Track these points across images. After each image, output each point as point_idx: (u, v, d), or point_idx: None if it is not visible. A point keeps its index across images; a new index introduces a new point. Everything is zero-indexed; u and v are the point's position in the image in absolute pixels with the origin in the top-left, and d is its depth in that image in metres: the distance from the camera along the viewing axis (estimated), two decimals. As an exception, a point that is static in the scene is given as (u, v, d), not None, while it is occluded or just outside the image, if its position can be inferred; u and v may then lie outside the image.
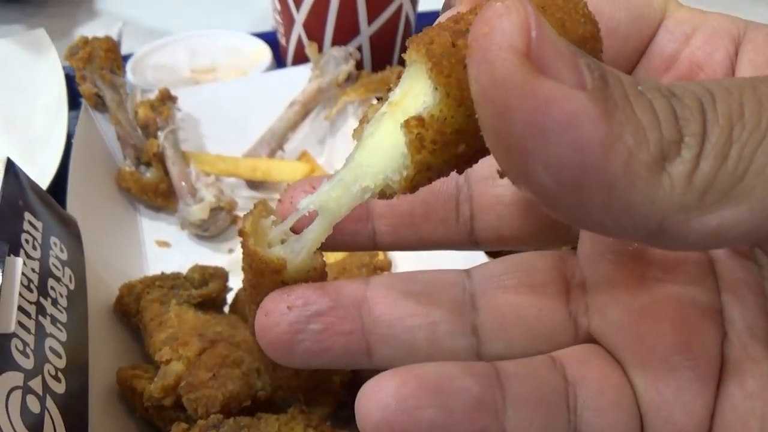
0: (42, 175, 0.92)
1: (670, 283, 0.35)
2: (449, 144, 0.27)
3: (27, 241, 0.61)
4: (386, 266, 0.73)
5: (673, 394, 0.33)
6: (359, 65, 1.03)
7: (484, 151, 0.28)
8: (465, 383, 0.33)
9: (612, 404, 0.34)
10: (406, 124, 0.27)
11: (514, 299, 0.37)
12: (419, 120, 0.27)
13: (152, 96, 0.98)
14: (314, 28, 1.07)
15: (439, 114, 0.27)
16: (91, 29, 1.46)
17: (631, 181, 0.23)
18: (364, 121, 0.31)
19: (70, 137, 0.97)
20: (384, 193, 0.30)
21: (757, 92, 0.24)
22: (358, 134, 0.31)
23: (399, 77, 0.30)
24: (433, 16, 1.20)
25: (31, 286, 0.57)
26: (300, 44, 1.10)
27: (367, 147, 0.30)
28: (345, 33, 1.06)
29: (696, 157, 0.24)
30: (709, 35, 0.34)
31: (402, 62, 0.30)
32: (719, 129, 0.24)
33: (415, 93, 0.28)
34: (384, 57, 1.11)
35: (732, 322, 0.34)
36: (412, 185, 0.29)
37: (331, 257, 0.81)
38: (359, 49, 1.06)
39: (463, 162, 0.29)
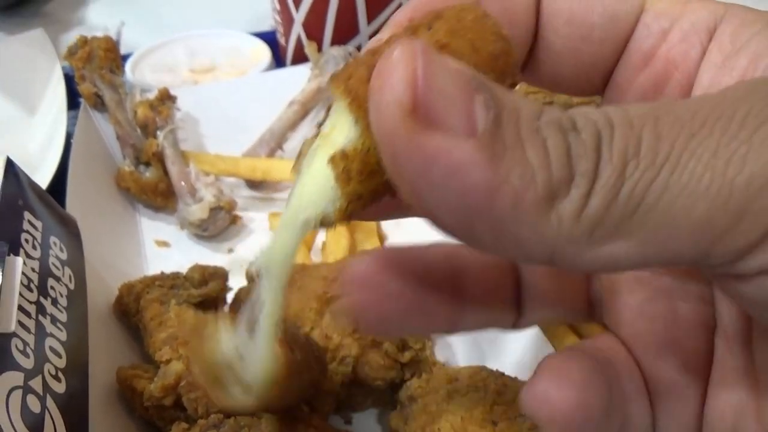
0: (42, 174, 0.92)
1: (666, 276, 0.35)
2: (375, 173, 0.29)
3: (27, 240, 0.61)
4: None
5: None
6: (359, 65, 1.03)
7: None
8: None
9: None
10: (332, 160, 0.29)
11: None
12: (343, 154, 0.29)
13: (151, 96, 0.98)
14: (313, 27, 1.07)
15: (362, 146, 0.28)
16: (90, 28, 1.46)
17: (518, 220, 0.24)
18: (301, 156, 0.32)
19: (69, 137, 0.97)
20: (324, 223, 0.31)
21: (659, 126, 0.24)
22: (296, 169, 0.32)
23: (328, 110, 0.32)
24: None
25: (31, 285, 0.57)
26: (299, 44, 1.10)
27: (303, 182, 0.31)
28: (344, 32, 1.06)
29: (585, 195, 0.24)
30: (686, 31, 0.33)
31: None
32: (611, 167, 0.24)
33: (340, 126, 0.29)
34: (383, 56, 1.11)
35: (720, 315, 0.34)
36: (347, 214, 0.30)
37: (331, 258, 0.81)
38: (358, 48, 1.06)
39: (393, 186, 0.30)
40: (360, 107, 0.28)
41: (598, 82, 0.36)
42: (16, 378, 0.50)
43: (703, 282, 0.35)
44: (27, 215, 0.63)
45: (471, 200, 0.24)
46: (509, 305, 0.39)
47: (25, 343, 0.52)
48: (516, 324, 0.40)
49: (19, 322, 0.53)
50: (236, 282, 0.77)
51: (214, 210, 0.88)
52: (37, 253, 0.61)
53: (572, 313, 0.41)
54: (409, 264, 0.36)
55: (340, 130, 0.30)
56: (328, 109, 0.31)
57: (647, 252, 0.25)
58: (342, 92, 0.29)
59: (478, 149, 0.23)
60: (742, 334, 0.33)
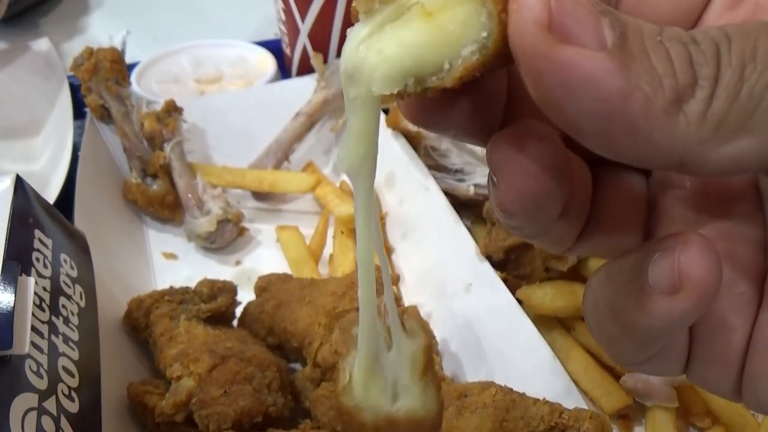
0: (50, 187, 0.92)
1: (725, 220, 0.37)
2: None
3: (38, 259, 0.61)
4: (395, 280, 0.74)
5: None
6: (364, 75, 1.04)
7: None
8: None
9: None
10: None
11: None
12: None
13: (158, 107, 0.98)
14: (319, 38, 1.08)
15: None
16: (92, 37, 1.47)
17: (650, 123, 0.27)
18: None
19: (75, 147, 0.97)
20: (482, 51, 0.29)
21: None
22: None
23: None
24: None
25: (43, 305, 0.58)
26: (305, 54, 1.10)
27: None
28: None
29: (709, 97, 0.27)
30: None
31: None
32: (731, 71, 0.27)
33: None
34: (388, 66, 1.11)
35: None
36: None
37: (339, 271, 0.81)
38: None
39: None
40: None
41: (688, 25, 0.37)
42: (30, 399, 0.50)
43: (761, 228, 0.36)
44: (38, 233, 0.64)
45: (607, 106, 0.26)
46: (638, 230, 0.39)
47: (39, 364, 0.53)
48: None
49: (32, 343, 0.53)
50: (245, 296, 0.77)
51: (222, 222, 0.89)
52: (48, 272, 0.61)
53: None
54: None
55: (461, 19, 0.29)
56: None
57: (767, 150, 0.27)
58: None
59: (609, 59, 0.26)
60: None
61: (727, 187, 0.36)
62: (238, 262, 0.90)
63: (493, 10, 0.28)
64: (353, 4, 0.29)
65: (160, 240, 0.93)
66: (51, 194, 0.90)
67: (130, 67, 1.05)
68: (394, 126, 0.92)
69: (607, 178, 0.38)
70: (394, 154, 0.91)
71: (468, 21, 0.28)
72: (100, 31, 1.50)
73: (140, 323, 0.73)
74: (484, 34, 0.28)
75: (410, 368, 0.36)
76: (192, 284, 0.77)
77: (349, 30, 0.29)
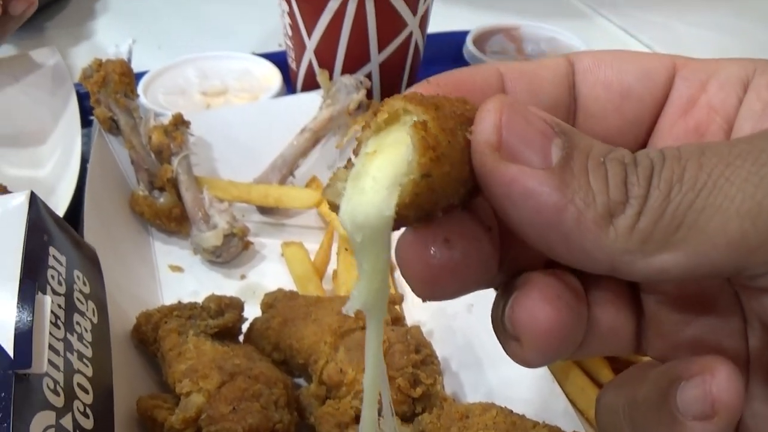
0: (58, 197, 0.94)
1: (708, 316, 0.39)
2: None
3: (53, 277, 0.63)
4: (398, 300, 0.76)
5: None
6: (369, 94, 1.06)
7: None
8: None
9: None
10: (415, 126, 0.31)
11: None
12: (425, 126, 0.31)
13: (165, 120, 1.00)
14: (325, 54, 1.09)
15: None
16: (96, 44, 1.48)
17: (582, 234, 0.30)
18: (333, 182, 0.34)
19: (82, 156, 0.99)
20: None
21: (702, 158, 0.30)
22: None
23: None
24: (439, 37, 1.21)
25: (58, 322, 0.59)
26: (310, 70, 1.12)
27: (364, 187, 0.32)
28: (356, 60, 1.08)
29: (637, 214, 0.30)
30: (723, 82, 0.38)
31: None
32: (658, 192, 0.30)
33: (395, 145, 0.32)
34: (392, 83, 1.13)
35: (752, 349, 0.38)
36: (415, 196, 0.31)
37: (343, 288, 0.83)
38: (369, 76, 1.08)
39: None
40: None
41: (641, 133, 0.40)
42: (48, 417, 0.52)
43: (740, 318, 0.38)
44: (52, 250, 0.65)
45: (543, 217, 0.30)
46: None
47: (56, 382, 0.54)
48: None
49: (50, 361, 0.55)
50: (249, 310, 0.79)
51: (228, 237, 0.90)
52: (62, 289, 0.63)
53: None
54: None
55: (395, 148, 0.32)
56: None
57: (691, 263, 0.30)
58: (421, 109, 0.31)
59: (548, 176, 0.30)
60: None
61: (705, 286, 0.39)
62: (243, 276, 0.92)
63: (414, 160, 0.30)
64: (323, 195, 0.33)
65: (166, 252, 0.95)
66: (58, 203, 0.91)
67: (136, 76, 1.06)
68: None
69: (599, 297, 0.40)
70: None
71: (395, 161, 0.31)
72: (106, 36, 1.51)
73: (149, 337, 0.74)
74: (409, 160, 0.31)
75: None
76: (198, 298, 0.78)
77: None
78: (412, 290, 0.35)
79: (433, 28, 1.19)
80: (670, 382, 0.33)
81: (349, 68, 1.09)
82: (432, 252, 0.34)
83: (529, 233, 0.31)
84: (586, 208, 0.30)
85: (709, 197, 0.29)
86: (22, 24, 1.14)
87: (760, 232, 0.29)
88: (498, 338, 0.37)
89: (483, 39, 1.39)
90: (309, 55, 1.11)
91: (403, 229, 0.34)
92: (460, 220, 0.34)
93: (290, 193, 0.95)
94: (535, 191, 0.30)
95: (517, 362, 0.36)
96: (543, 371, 0.69)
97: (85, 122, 1.07)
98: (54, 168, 1.04)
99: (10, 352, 0.52)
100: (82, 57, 1.34)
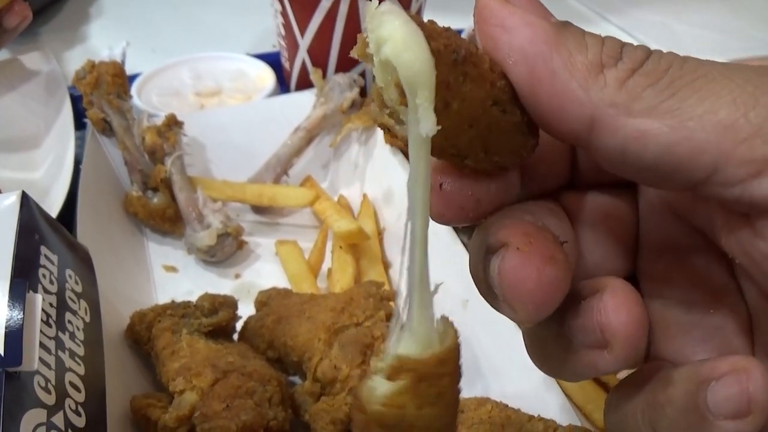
0: (51, 199, 0.94)
1: (715, 315, 0.38)
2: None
3: (44, 275, 0.62)
4: (392, 296, 0.75)
5: None
6: (363, 92, 1.05)
7: None
8: None
9: None
10: None
11: None
12: None
13: (159, 121, 1.00)
14: (318, 53, 1.09)
15: None
16: (90, 47, 1.48)
17: (570, 73, 0.30)
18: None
19: (75, 158, 0.98)
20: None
21: (705, 62, 0.30)
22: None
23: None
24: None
25: (50, 321, 0.59)
26: (304, 69, 1.12)
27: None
28: (349, 59, 1.08)
29: (631, 70, 0.30)
30: None
31: None
32: (657, 59, 0.30)
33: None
34: (386, 81, 1.13)
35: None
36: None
37: (337, 286, 0.83)
38: (362, 75, 1.08)
39: None
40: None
41: None
42: (39, 415, 0.51)
43: (746, 316, 0.38)
44: (43, 249, 0.65)
45: (535, 48, 0.30)
46: None
47: (47, 380, 0.54)
48: None
49: (41, 359, 0.54)
50: (244, 309, 0.79)
51: (222, 236, 0.90)
52: (54, 288, 0.63)
53: None
54: None
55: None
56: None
57: (672, 137, 0.29)
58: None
59: (547, 22, 0.30)
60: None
61: (712, 284, 0.38)
62: (237, 276, 0.92)
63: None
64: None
65: (160, 253, 0.95)
66: (52, 205, 0.91)
67: (130, 78, 1.06)
68: (392, 143, 0.94)
69: None
70: (392, 171, 0.93)
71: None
72: (100, 40, 1.51)
73: (142, 336, 0.74)
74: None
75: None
76: (192, 297, 0.78)
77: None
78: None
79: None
80: (698, 383, 0.33)
81: (343, 67, 1.09)
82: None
83: (513, 70, 0.30)
84: (577, 51, 0.30)
85: (707, 83, 0.29)
86: (16, 36, 1.15)
87: (751, 124, 0.28)
88: (481, 293, 0.35)
89: (477, 38, 1.38)
90: (302, 55, 1.11)
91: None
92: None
93: (284, 192, 0.95)
94: (533, 24, 0.30)
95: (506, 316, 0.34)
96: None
97: (79, 125, 1.07)
98: (47, 171, 1.04)
99: (1, 350, 0.52)
100: (76, 61, 1.34)
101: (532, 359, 0.39)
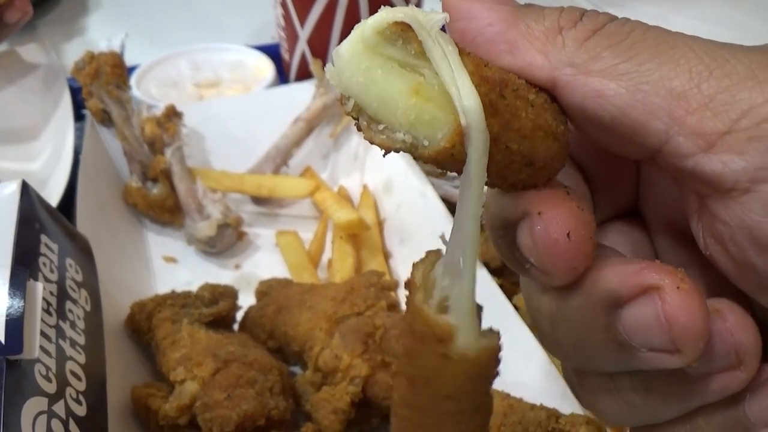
0: (51, 190, 0.93)
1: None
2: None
3: (44, 264, 0.62)
4: (393, 286, 0.75)
5: None
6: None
7: None
8: None
9: None
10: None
11: None
12: None
13: (158, 112, 0.99)
14: (318, 44, 1.09)
15: None
16: (89, 40, 1.47)
17: (528, 42, 0.31)
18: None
19: (75, 149, 0.98)
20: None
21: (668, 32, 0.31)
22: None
23: None
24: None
25: (51, 309, 0.59)
26: (303, 60, 1.12)
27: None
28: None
29: (592, 30, 0.30)
30: None
31: None
32: (619, 24, 0.30)
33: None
34: (385, 72, 1.12)
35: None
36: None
37: (338, 276, 0.83)
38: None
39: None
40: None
41: None
42: (40, 403, 0.51)
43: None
44: (44, 238, 0.64)
45: (495, 26, 0.31)
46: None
47: (48, 368, 0.54)
48: None
49: (41, 347, 0.54)
50: (244, 300, 0.78)
51: (222, 227, 0.90)
52: (54, 276, 0.62)
53: None
54: None
55: None
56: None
57: (628, 99, 0.29)
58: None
59: (508, 7, 0.31)
60: None
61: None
62: (237, 266, 0.91)
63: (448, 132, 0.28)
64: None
65: (160, 244, 0.94)
66: (51, 195, 0.91)
67: (129, 70, 1.05)
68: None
69: None
70: (391, 161, 0.93)
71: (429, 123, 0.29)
72: (99, 32, 1.50)
73: (143, 326, 0.74)
74: (439, 135, 0.28)
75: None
76: (192, 288, 0.78)
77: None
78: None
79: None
80: (737, 398, 0.32)
81: (343, 58, 1.08)
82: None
83: (480, 51, 0.31)
84: (535, 21, 0.31)
85: (668, 49, 0.29)
86: (17, 31, 1.15)
87: (703, 95, 0.28)
88: (511, 267, 0.34)
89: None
90: (302, 46, 1.10)
91: None
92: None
93: (284, 182, 0.95)
94: (492, 7, 0.31)
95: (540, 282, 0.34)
96: (541, 355, 0.68)
97: (78, 117, 1.06)
98: (46, 162, 1.04)
99: (1, 338, 0.52)
100: (74, 53, 1.32)
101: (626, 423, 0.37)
